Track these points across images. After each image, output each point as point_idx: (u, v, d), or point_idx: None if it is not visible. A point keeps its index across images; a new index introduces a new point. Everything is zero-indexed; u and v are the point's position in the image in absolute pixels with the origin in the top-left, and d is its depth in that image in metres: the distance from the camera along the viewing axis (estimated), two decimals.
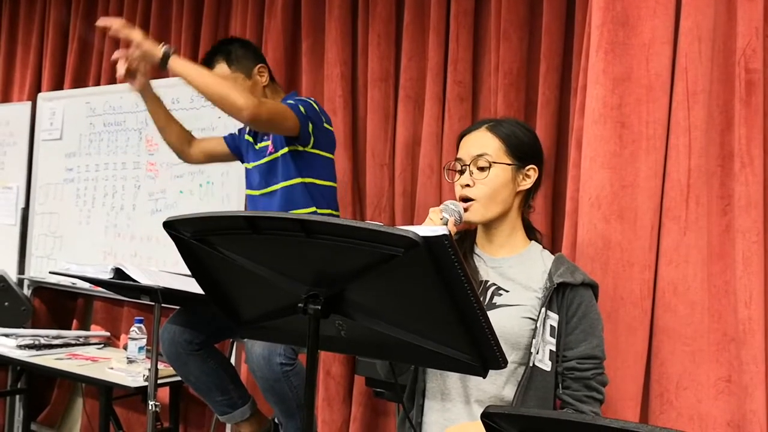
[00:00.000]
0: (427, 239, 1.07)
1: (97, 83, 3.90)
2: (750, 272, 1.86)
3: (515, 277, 1.72)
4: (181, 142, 2.63)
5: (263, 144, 2.54)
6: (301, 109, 2.34)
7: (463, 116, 2.69)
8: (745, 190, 1.88)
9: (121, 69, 2.32)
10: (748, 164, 1.88)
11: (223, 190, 3.24)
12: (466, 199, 1.72)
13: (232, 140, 2.69)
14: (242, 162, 2.70)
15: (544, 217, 2.47)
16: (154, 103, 2.54)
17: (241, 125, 2.67)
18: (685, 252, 1.92)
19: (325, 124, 2.44)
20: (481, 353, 1.25)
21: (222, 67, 2.47)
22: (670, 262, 1.93)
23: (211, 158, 2.73)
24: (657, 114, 1.95)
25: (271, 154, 2.46)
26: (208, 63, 2.50)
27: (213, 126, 3.27)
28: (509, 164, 1.72)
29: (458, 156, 1.77)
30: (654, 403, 1.96)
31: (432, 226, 1.53)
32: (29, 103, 4.08)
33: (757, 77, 1.89)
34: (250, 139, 2.60)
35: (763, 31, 1.90)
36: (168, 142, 2.63)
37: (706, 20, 1.93)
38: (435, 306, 1.19)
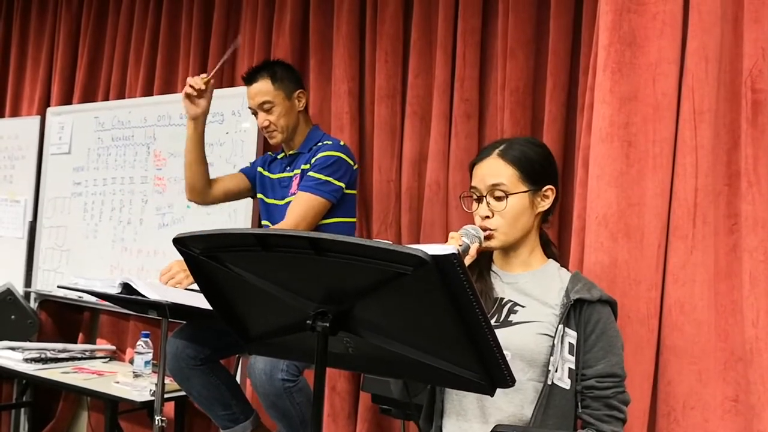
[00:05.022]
0: (436, 258, 1.07)
1: (106, 98, 3.92)
2: (757, 292, 1.86)
3: (532, 292, 1.71)
4: (205, 184, 2.62)
5: (283, 175, 2.56)
6: (333, 182, 2.40)
7: (469, 133, 2.70)
8: (752, 209, 1.89)
9: (198, 83, 2.41)
10: (755, 183, 1.89)
11: (231, 205, 3.24)
12: (486, 230, 1.72)
13: (250, 172, 2.70)
14: (253, 196, 2.72)
15: (552, 234, 2.46)
16: (198, 136, 2.53)
17: (253, 157, 2.68)
18: (692, 271, 1.92)
19: (354, 167, 2.50)
20: (488, 372, 1.25)
21: (266, 83, 2.49)
22: (677, 281, 1.93)
23: (231, 196, 2.74)
24: (664, 133, 1.96)
25: (294, 195, 2.48)
26: (252, 79, 2.51)
27: (221, 141, 3.29)
28: (526, 191, 1.71)
29: (473, 185, 1.76)
30: (661, 423, 1.95)
31: (443, 245, 1.53)
32: (38, 117, 4.11)
33: (763, 97, 1.90)
34: (265, 173, 2.63)
35: None
36: (192, 182, 2.59)
37: (712, 41, 1.94)
38: (443, 324, 1.20)
